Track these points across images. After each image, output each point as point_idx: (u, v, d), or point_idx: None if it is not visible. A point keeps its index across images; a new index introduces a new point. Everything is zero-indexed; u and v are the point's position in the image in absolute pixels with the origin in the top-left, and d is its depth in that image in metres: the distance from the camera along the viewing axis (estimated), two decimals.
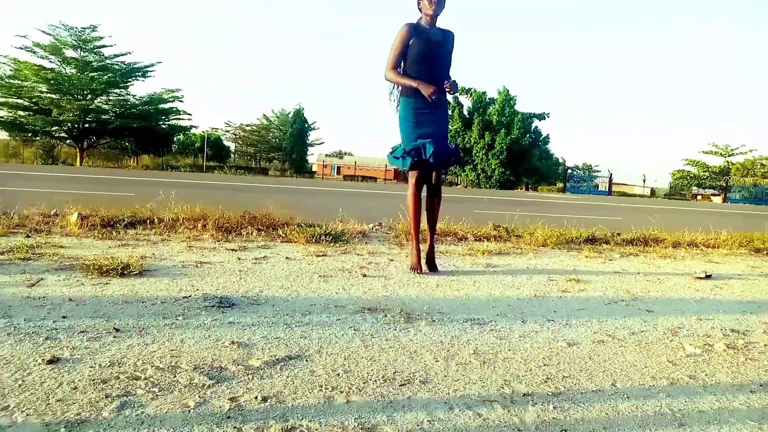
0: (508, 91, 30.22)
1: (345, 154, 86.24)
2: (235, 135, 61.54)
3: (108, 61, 32.49)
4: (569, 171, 41.35)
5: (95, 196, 7.62)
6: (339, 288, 3.07)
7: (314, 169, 58.16)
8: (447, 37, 3.61)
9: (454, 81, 3.52)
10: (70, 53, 31.68)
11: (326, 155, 73.38)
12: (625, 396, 1.87)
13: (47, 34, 30.68)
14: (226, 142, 59.47)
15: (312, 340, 2.19)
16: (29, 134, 32.12)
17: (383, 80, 3.65)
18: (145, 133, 34.20)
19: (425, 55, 3.47)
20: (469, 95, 30.39)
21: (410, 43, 3.46)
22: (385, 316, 2.58)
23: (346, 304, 2.73)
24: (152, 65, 33.72)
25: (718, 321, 2.89)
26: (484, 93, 30.50)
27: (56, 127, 31.77)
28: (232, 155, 58.95)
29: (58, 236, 4.11)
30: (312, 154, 58.21)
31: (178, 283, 2.94)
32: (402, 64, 3.56)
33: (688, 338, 2.55)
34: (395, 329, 2.39)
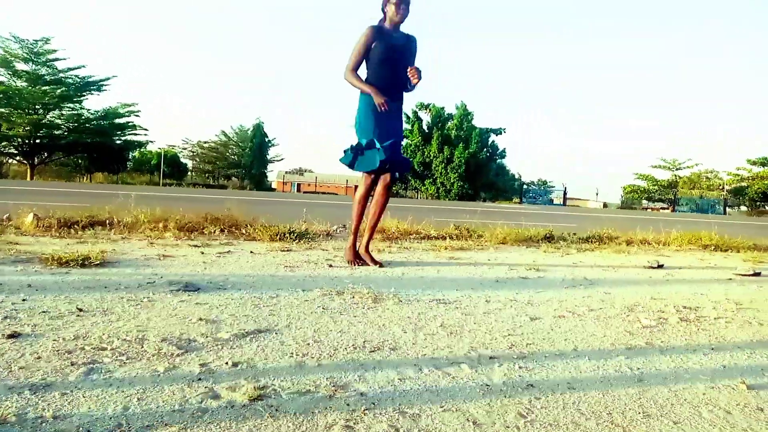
0: (465, 107, 30.79)
1: (305, 171, 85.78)
2: (193, 152, 60.42)
3: (61, 75, 31.54)
4: (525, 186, 42.28)
5: (50, 206, 7.40)
6: (305, 276, 3.08)
7: (274, 186, 57.64)
8: (410, 42, 3.66)
9: (418, 68, 3.52)
10: (21, 66, 30.67)
11: (286, 172, 72.81)
12: (587, 358, 1.94)
13: None
14: (183, 160, 58.32)
15: (281, 317, 2.20)
16: None
17: (346, 99, 3.67)
18: (99, 149, 33.28)
19: (388, 57, 3.51)
20: (427, 110, 30.85)
21: (373, 45, 3.50)
22: (353, 297, 2.60)
23: (312, 288, 2.75)
24: (107, 79, 32.96)
25: (671, 300, 3.02)
26: (442, 108, 30.99)
27: (5, 143, 30.63)
28: (189, 173, 57.90)
29: (12, 235, 3.99)
30: (272, 171, 57.67)
31: (141, 272, 2.90)
32: (365, 65, 3.60)
33: (643, 313, 2.66)
34: (363, 308, 2.42)
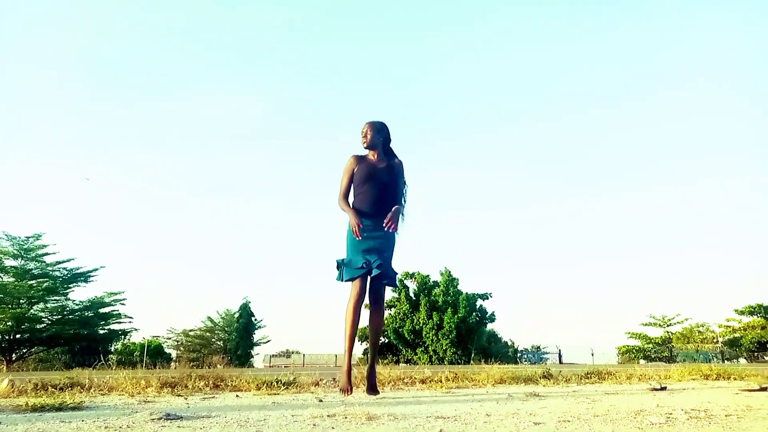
0: (450, 273, 31.27)
1: (293, 352, 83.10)
2: (177, 341, 58.83)
3: (49, 268, 31.76)
4: (519, 354, 41.40)
5: (28, 377, 7.06)
6: (294, 408, 2.92)
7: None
8: (391, 164, 3.92)
9: (397, 210, 3.69)
10: (9, 262, 30.96)
11: (272, 356, 70.46)
12: None
13: None
14: (167, 350, 56.50)
15: (269, 429, 2.07)
16: None
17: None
18: (81, 340, 32.44)
19: (368, 178, 3.78)
20: (413, 279, 31.22)
21: (355, 170, 3.80)
22: (345, 418, 2.46)
23: (302, 413, 2.60)
24: (95, 270, 33.21)
25: (678, 406, 2.90)
26: (427, 276, 31.42)
27: None
28: (174, 363, 55.82)
29: None
30: (258, 354, 55.96)
31: (120, 410, 2.73)
32: (352, 189, 3.86)
33: (651, 416, 2.54)
34: (357, 423, 2.28)
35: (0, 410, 2.86)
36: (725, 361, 42.55)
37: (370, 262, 3.58)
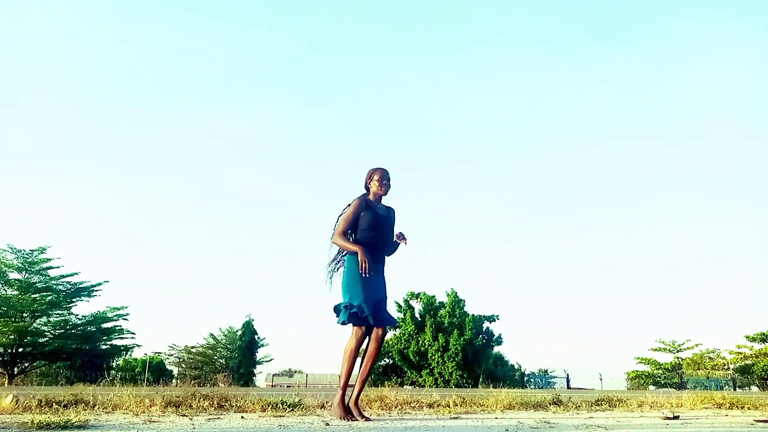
0: (456, 294, 31.07)
1: (295, 372, 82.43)
2: (179, 358, 58.47)
3: (53, 282, 31.78)
4: (526, 377, 40.94)
5: (32, 393, 7.02)
6: (302, 430, 2.87)
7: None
8: (390, 212, 4.09)
9: (401, 233, 3.87)
10: (14, 275, 31.02)
11: (275, 375, 69.88)
12: None
13: None
14: (169, 367, 56.09)
15: None
16: None
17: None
18: (83, 355, 32.33)
19: (373, 225, 3.87)
20: (419, 299, 31.02)
21: (361, 214, 3.87)
22: None
23: None
24: (99, 284, 33.17)
25: None
26: (433, 296, 31.21)
27: None
28: (175, 380, 55.48)
29: None
30: (260, 372, 55.55)
31: (125, 430, 2.70)
32: (350, 231, 3.93)
33: None
34: None
35: (5, 427, 2.82)
36: (737, 388, 41.91)
37: (377, 310, 3.68)
